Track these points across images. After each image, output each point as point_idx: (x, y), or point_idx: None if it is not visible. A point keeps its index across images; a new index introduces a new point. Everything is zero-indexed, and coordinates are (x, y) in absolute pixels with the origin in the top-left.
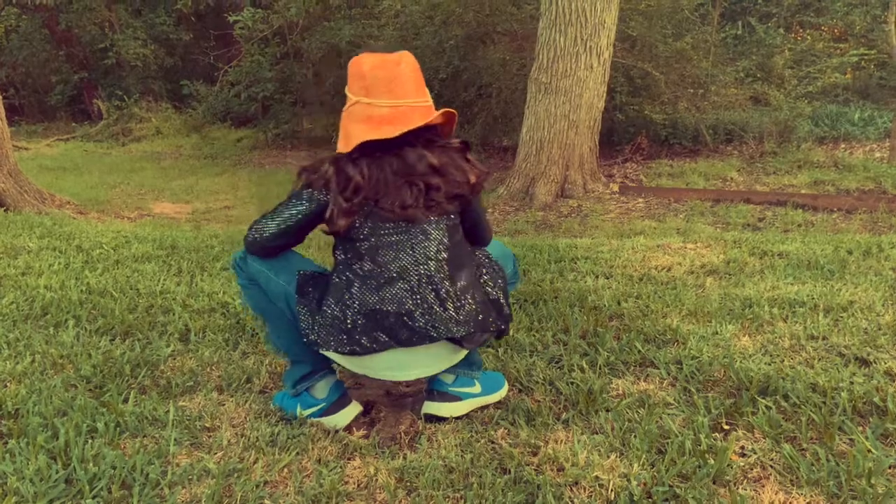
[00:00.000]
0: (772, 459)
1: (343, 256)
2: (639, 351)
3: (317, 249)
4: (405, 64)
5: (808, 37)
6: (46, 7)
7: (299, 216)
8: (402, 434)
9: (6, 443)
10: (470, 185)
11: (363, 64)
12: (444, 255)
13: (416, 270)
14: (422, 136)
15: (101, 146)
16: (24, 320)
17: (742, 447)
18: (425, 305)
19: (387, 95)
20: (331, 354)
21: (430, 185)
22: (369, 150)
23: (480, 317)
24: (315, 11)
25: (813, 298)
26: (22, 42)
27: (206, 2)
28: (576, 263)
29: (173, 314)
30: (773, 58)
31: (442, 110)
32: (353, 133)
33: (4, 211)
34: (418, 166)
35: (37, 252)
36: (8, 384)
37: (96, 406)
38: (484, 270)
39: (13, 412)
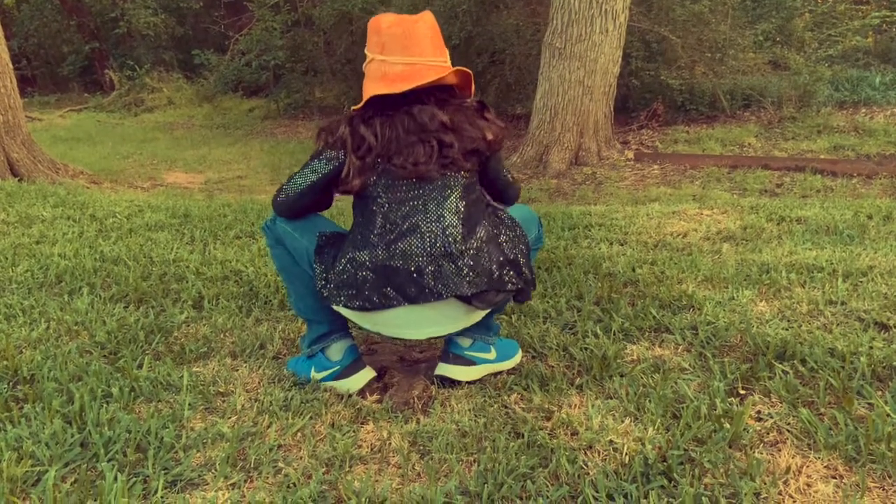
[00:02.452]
0: (789, 424)
1: (360, 215)
2: (654, 317)
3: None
4: (423, 23)
5: None
6: None
7: (320, 175)
8: (416, 399)
9: (22, 407)
10: (486, 141)
11: (381, 21)
12: (459, 212)
13: (429, 227)
14: (434, 96)
15: (113, 116)
16: (39, 288)
17: (758, 412)
18: (435, 263)
19: (401, 53)
20: (342, 310)
21: (443, 143)
22: (382, 107)
23: (496, 275)
24: None
25: (832, 263)
26: (33, 12)
27: None
28: (590, 230)
29: (187, 282)
30: (794, 20)
31: (455, 68)
32: (366, 90)
33: (19, 181)
34: (430, 124)
35: (51, 221)
36: (23, 350)
37: (111, 371)
38: (503, 230)
39: (29, 377)
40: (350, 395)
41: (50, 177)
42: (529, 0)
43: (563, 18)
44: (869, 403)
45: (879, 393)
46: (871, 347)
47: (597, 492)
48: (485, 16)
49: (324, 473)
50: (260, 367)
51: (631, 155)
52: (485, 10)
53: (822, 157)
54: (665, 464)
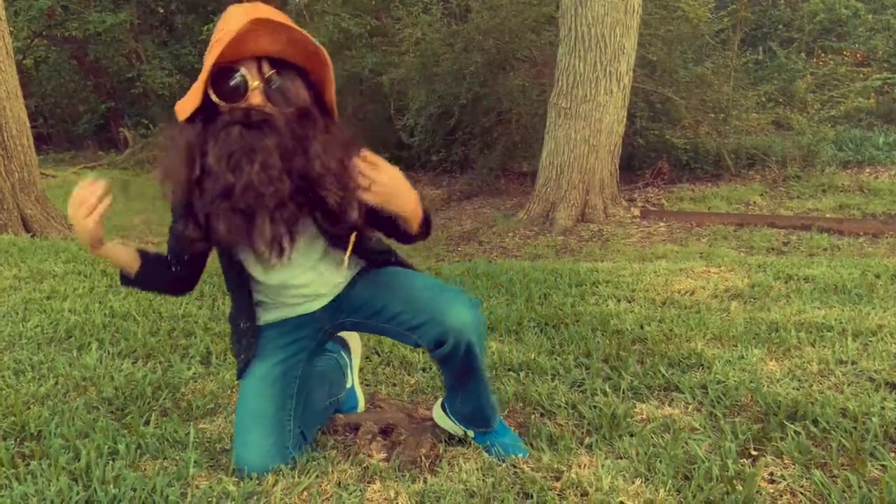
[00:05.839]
0: (802, 486)
1: None
2: (663, 375)
3: None
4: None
5: (831, 61)
6: (75, 39)
7: None
8: (423, 457)
9: (28, 464)
10: None
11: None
12: None
13: None
14: None
15: (126, 173)
16: (49, 343)
17: (771, 473)
18: None
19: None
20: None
21: None
22: None
23: None
24: (337, 41)
25: (841, 323)
26: (51, 73)
27: None
28: (597, 287)
29: (195, 337)
30: (795, 82)
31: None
32: None
33: (31, 236)
34: None
35: (62, 276)
36: (31, 406)
37: (117, 428)
38: None
39: (36, 434)
40: (357, 454)
41: (62, 232)
42: (535, 62)
43: (568, 80)
44: (882, 465)
45: (893, 455)
46: (882, 408)
47: None
48: (491, 77)
49: None
50: None
51: (637, 212)
52: (491, 71)
53: (827, 215)
54: None
